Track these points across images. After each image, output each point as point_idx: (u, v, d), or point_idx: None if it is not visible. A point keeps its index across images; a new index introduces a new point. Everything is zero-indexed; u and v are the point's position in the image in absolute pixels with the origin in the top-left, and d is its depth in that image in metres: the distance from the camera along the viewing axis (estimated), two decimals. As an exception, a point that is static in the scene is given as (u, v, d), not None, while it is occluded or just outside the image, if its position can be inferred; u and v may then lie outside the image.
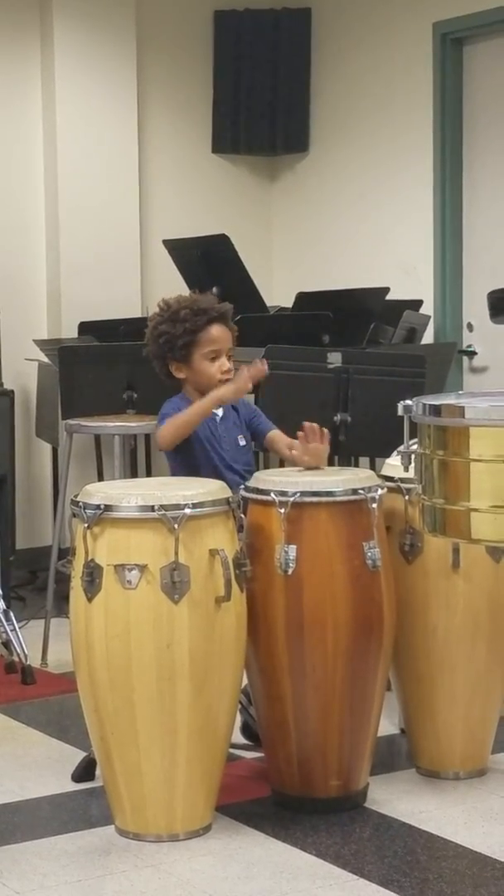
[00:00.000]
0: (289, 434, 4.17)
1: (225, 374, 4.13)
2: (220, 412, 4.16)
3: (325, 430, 4.06)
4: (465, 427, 2.76)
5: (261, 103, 7.51)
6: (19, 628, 5.29)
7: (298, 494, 3.75)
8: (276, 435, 4.23)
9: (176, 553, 3.55)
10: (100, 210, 7.13)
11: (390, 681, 4.07)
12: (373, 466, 5.55)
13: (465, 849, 3.58)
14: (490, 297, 5.78)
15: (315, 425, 4.05)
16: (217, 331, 4.13)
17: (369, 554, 3.77)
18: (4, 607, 5.33)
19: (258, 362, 4.12)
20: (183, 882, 3.41)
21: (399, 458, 3.08)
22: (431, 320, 6.78)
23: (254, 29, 7.48)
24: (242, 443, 4.19)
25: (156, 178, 7.43)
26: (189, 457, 4.09)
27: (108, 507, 3.60)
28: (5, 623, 5.25)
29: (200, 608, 3.59)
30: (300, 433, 4.04)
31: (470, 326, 6.85)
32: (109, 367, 5.64)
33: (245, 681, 3.85)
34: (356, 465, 5.59)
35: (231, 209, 7.59)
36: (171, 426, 4.03)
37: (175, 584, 3.55)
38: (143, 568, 3.56)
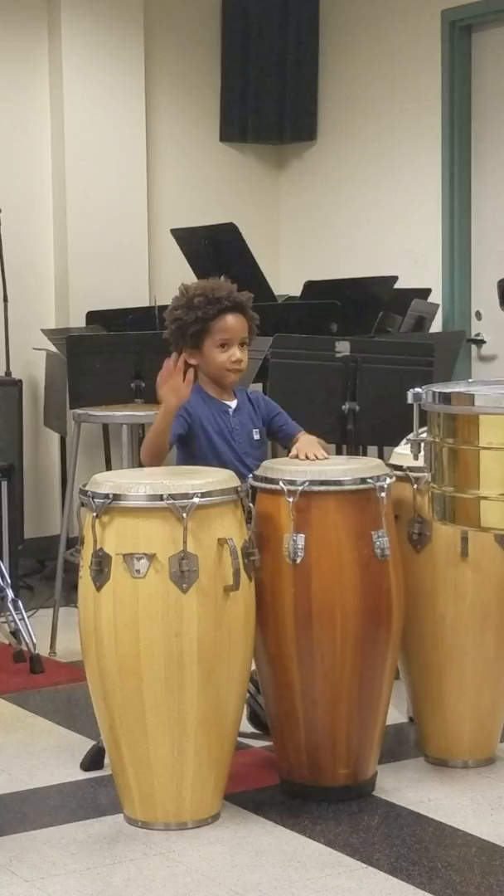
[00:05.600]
0: (297, 421, 4.15)
1: (234, 364, 4.08)
2: (232, 404, 4.13)
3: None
4: (474, 415, 2.76)
5: (268, 91, 7.50)
6: (28, 617, 5.31)
7: (307, 483, 3.74)
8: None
9: (184, 542, 3.55)
10: (107, 199, 7.12)
11: (398, 669, 4.07)
12: (381, 455, 5.53)
13: (473, 837, 3.58)
14: (500, 286, 5.77)
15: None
16: (231, 320, 4.07)
17: (378, 543, 3.77)
18: (13, 596, 5.33)
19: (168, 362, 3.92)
20: (191, 870, 3.41)
21: (408, 446, 3.07)
22: (440, 309, 6.76)
23: (262, 16, 7.46)
24: (257, 437, 4.14)
25: (163, 167, 7.42)
26: (194, 450, 4.05)
27: (116, 497, 3.60)
28: (14, 612, 5.26)
29: (209, 597, 3.58)
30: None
31: (478, 315, 6.83)
32: (117, 356, 5.63)
33: (253, 669, 3.85)
34: (364, 454, 5.59)
35: (239, 198, 7.58)
36: (145, 452, 3.97)
37: (183, 573, 3.55)
38: (151, 557, 3.55)
